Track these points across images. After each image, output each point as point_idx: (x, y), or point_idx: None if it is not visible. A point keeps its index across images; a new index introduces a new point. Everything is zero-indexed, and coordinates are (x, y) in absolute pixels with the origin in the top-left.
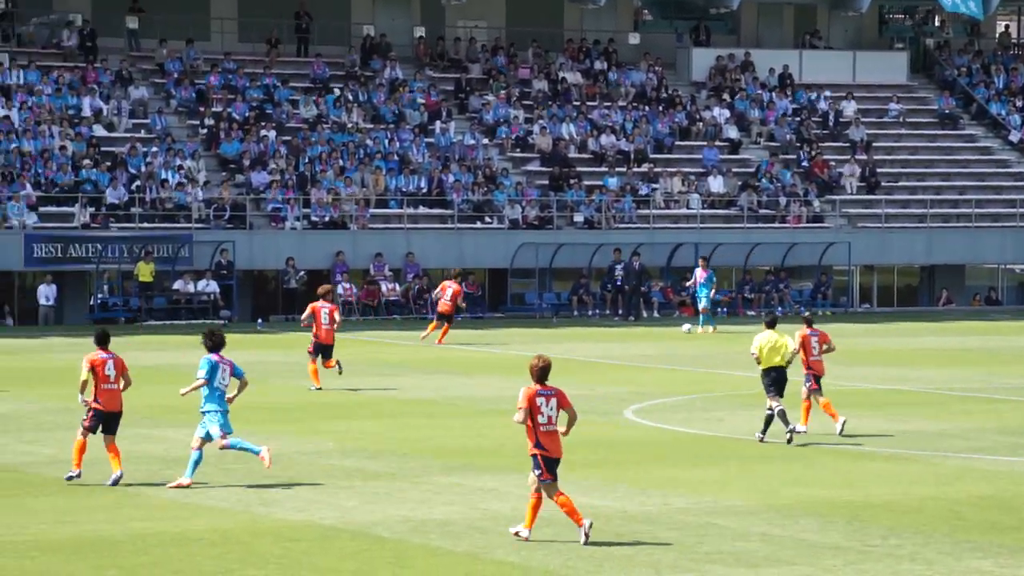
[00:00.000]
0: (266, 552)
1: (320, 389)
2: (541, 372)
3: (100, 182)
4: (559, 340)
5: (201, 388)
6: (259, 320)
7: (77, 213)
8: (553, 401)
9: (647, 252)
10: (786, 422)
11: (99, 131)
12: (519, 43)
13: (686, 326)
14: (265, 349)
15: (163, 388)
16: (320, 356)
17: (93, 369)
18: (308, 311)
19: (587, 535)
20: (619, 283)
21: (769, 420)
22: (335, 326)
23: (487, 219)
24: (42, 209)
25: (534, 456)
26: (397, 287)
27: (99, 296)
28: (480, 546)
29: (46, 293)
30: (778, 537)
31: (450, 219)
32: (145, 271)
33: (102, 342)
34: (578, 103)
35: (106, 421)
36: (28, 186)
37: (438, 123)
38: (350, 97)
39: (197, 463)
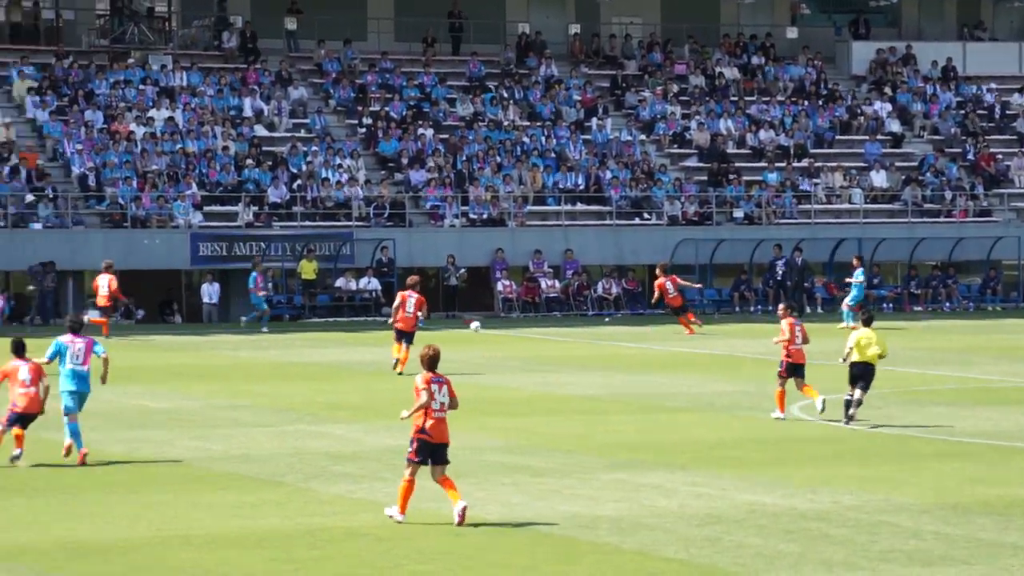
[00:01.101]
0: (434, 548)
1: (400, 374)
2: (431, 361)
3: (262, 181)
4: (721, 336)
5: None
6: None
7: (240, 212)
8: (445, 388)
9: (809, 247)
10: (848, 410)
11: (260, 131)
12: (675, 39)
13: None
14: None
15: (325, 385)
16: (403, 341)
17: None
18: (397, 299)
19: (461, 517)
20: (781, 279)
21: (848, 404)
22: (420, 316)
23: (645, 215)
24: (207, 208)
25: (415, 439)
26: (557, 284)
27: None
28: (648, 543)
29: (209, 292)
30: (953, 536)
31: (608, 216)
32: (308, 269)
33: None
34: (735, 98)
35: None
36: (193, 186)
37: (594, 120)
38: (506, 95)
39: None
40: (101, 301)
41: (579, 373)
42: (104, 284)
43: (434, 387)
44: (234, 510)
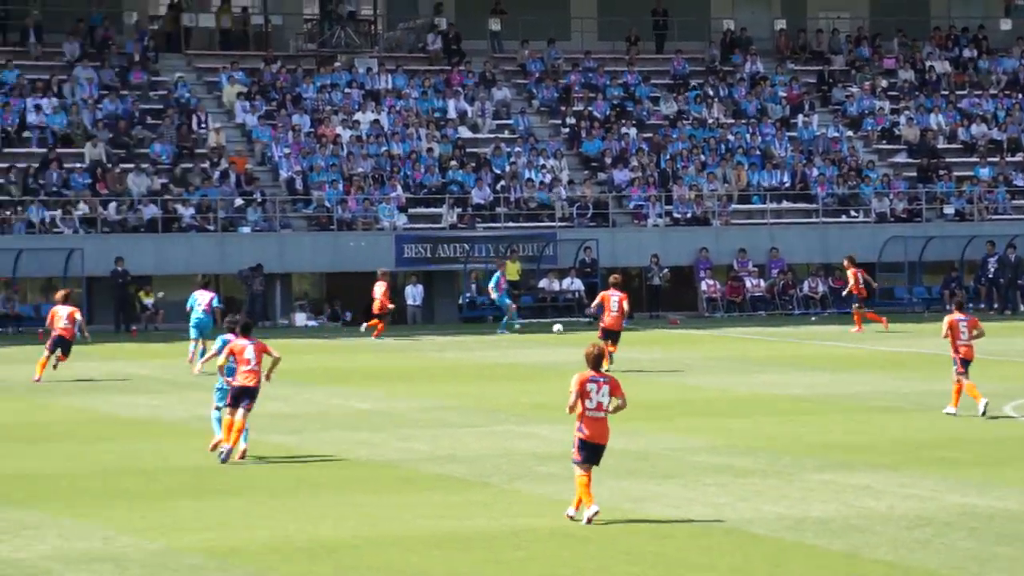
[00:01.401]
0: (641, 549)
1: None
2: (594, 360)
3: (466, 183)
4: (931, 335)
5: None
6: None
7: (444, 214)
8: (605, 388)
9: (1023, 244)
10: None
11: (464, 132)
12: (883, 33)
13: None
14: (633, 347)
15: (530, 385)
16: (608, 341)
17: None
18: (598, 300)
19: (590, 519)
20: (993, 276)
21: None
22: (623, 315)
23: (852, 213)
24: (411, 211)
25: (576, 439)
26: (762, 283)
27: (467, 295)
28: (857, 545)
29: (412, 294)
30: None
31: (814, 213)
32: (512, 270)
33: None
34: (946, 92)
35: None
36: (398, 188)
37: (800, 116)
38: (710, 92)
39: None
40: (377, 307)
41: (785, 373)
42: (378, 292)
43: (591, 387)
44: (440, 511)
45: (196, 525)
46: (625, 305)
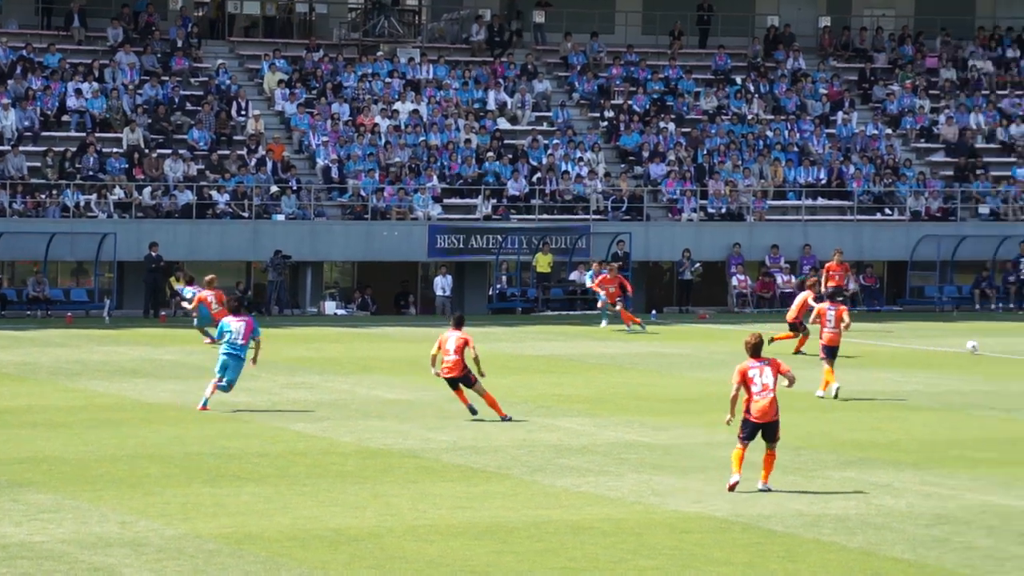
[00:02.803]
0: (659, 543)
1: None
2: (753, 348)
3: (502, 174)
4: (959, 333)
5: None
6: (652, 312)
7: (479, 205)
8: (768, 370)
9: None
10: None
11: (503, 124)
12: (927, 31)
13: None
14: (662, 341)
15: (558, 378)
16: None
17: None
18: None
19: (731, 487)
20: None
21: None
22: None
23: (887, 211)
24: (446, 201)
25: (743, 419)
26: (792, 279)
27: (497, 286)
28: (874, 542)
29: (442, 284)
30: None
31: (849, 211)
32: (543, 262)
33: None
34: (987, 92)
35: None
36: (434, 178)
37: (840, 114)
38: (751, 88)
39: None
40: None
41: (811, 369)
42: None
43: (754, 372)
44: (460, 501)
45: (214, 511)
46: (846, 317)
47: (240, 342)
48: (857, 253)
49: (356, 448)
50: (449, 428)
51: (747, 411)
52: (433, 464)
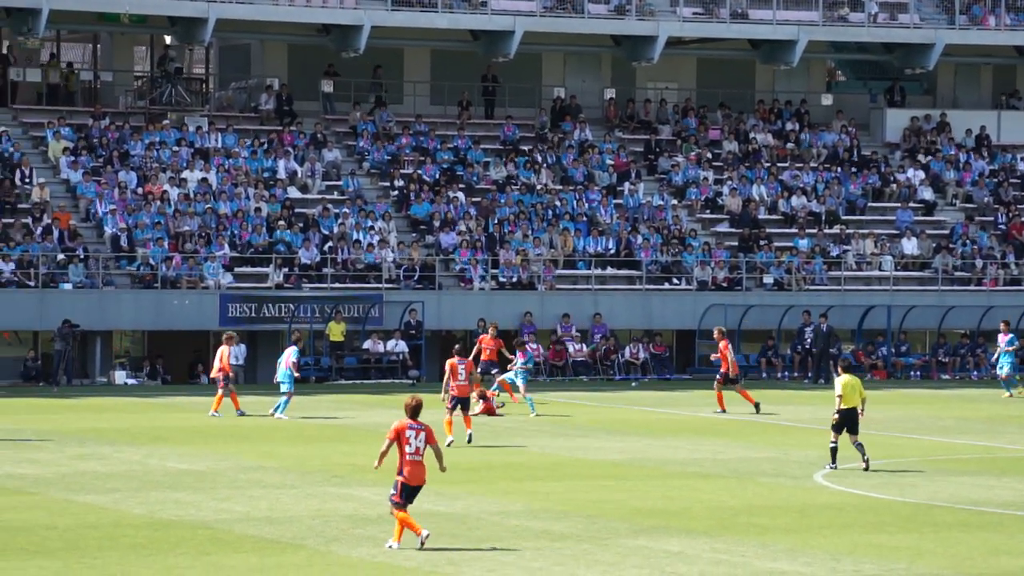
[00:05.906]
0: None
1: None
2: (412, 410)
3: (293, 243)
4: (747, 403)
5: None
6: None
7: (271, 273)
8: (422, 435)
9: (839, 314)
10: (863, 454)
11: (293, 193)
12: (710, 104)
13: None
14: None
15: (352, 447)
16: (460, 408)
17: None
18: (447, 368)
19: (423, 543)
20: (808, 346)
21: (834, 452)
22: (470, 380)
23: (675, 280)
24: (237, 270)
25: (396, 482)
26: (584, 347)
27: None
28: None
29: (236, 353)
30: None
31: (638, 280)
32: (336, 331)
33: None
34: (768, 164)
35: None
36: (225, 246)
37: (627, 184)
38: (539, 159)
39: None
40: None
41: (605, 438)
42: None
43: (410, 433)
44: (254, 573)
45: None
46: (475, 371)
47: None
48: (646, 322)
49: (148, 520)
50: (242, 499)
51: (400, 473)
52: (226, 535)
